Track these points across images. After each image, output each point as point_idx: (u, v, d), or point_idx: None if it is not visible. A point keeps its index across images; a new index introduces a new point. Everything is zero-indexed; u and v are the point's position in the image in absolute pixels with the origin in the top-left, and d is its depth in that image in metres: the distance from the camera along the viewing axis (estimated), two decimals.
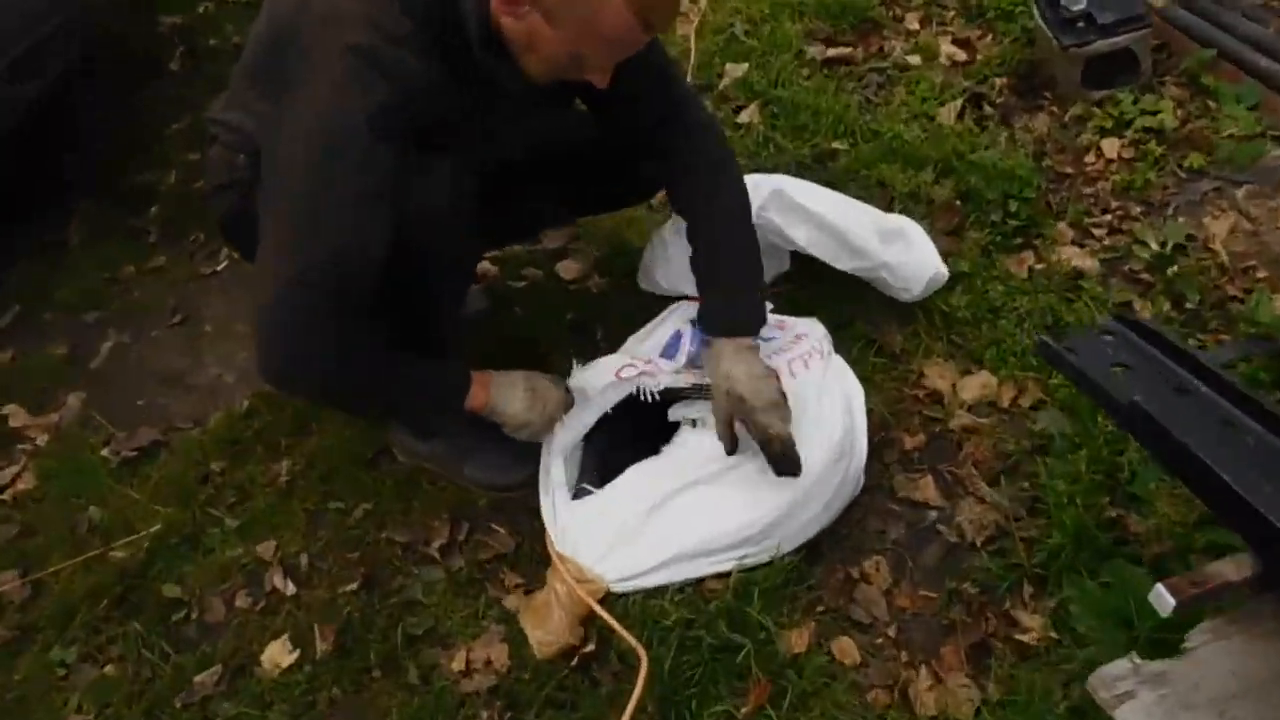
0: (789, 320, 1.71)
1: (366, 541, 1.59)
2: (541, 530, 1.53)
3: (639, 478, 1.47)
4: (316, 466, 1.70)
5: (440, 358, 1.46)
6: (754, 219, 1.64)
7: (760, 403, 1.39)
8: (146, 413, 1.88)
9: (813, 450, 1.48)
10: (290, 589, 1.53)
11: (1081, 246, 1.98)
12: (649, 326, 1.68)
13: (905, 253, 1.80)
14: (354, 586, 1.52)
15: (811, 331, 1.67)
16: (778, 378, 1.45)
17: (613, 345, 1.90)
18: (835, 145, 2.24)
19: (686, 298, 1.71)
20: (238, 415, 1.80)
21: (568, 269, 2.05)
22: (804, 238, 1.74)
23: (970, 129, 2.23)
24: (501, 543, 1.57)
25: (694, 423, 1.55)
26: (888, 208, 2.07)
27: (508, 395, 1.46)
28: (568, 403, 1.52)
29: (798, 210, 1.73)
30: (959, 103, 2.29)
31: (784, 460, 1.40)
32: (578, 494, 1.51)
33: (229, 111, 1.38)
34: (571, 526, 1.46)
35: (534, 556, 1.55)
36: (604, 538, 1.44)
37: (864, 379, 1.76)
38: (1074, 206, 2.03)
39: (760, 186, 1.71)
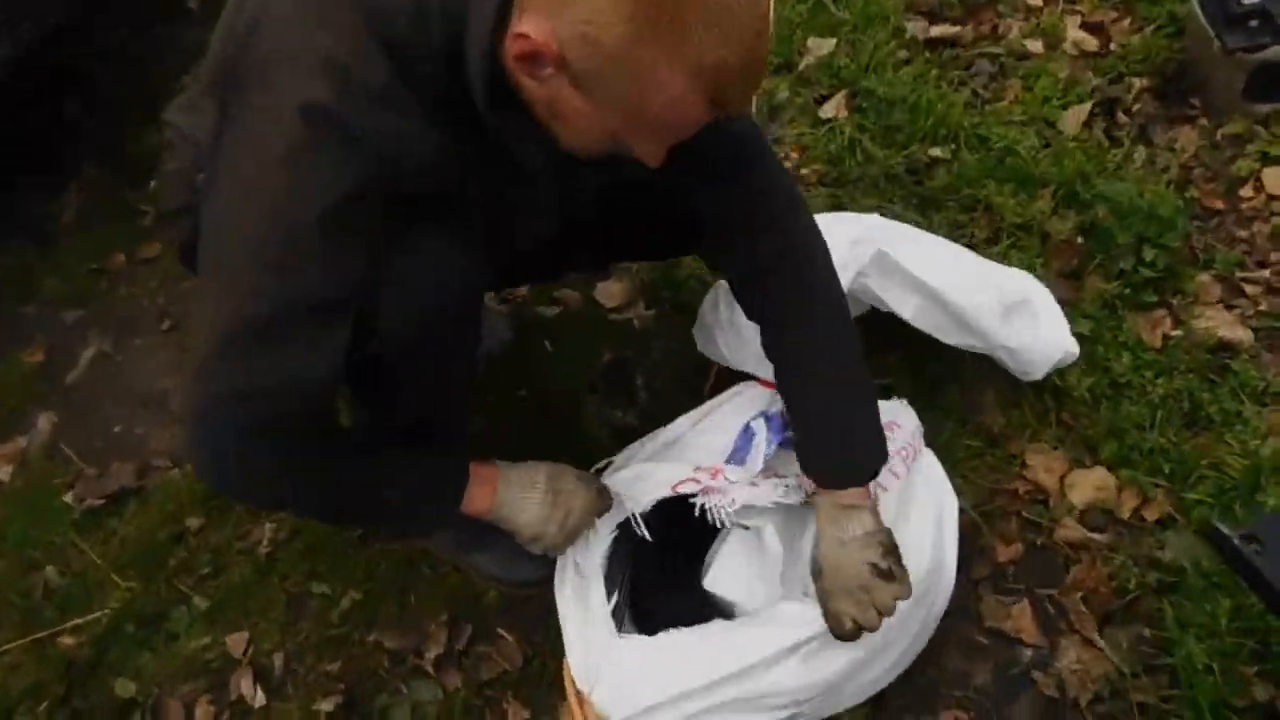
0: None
1: (352, 643, 1.36)
2: (557, 639, 1.27)
3: (696, 648, 1.17)
4: (303, 535, 1.46)
5: (436, 440, 1.18)
6: (850, 284, 1.32)
7: (839, 583, 1.10)
8: (122, 444, 1.66)
9: None
10: (259, 699, 1.31)
11: (1230, 308, 1.63)
12: (707, 407, 1.36)
13: (1030, 332, 1.45)
14: (331, 707, 1.29)
15: (904, 421, 1.35)
16: (883, 540, 1.13)
17: (654, 396, 1.62)
18: (934, 152, 1.89)
19: (757, 379, 1.39)
20: None
21: (608, 294, 1.76)
22: (911, 311, 1.40)
23: (1099, 143, 1.86)
24: (508, 657, 1.32)
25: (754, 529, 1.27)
26: (994, 239, 1.74)
27: (520, 500, 1.19)
28: (601, 507, 1.24)
29: (904, 278, 1.39)
30: (1087, 107, 1.91)
31: (846, 638, 1.12)
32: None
33: (190, 115, 1.08)
34: (605, 669, 1.19)
35: (545, 677, 1.31)
36: (642, 692, 1.17)
37: (953, 466, 1.46)
38: (1222, 255, 1.67)
39: (860, 243, 1.38)
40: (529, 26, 0.79)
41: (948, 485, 1.35)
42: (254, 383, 0.89)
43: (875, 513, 1.15)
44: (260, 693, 1.32)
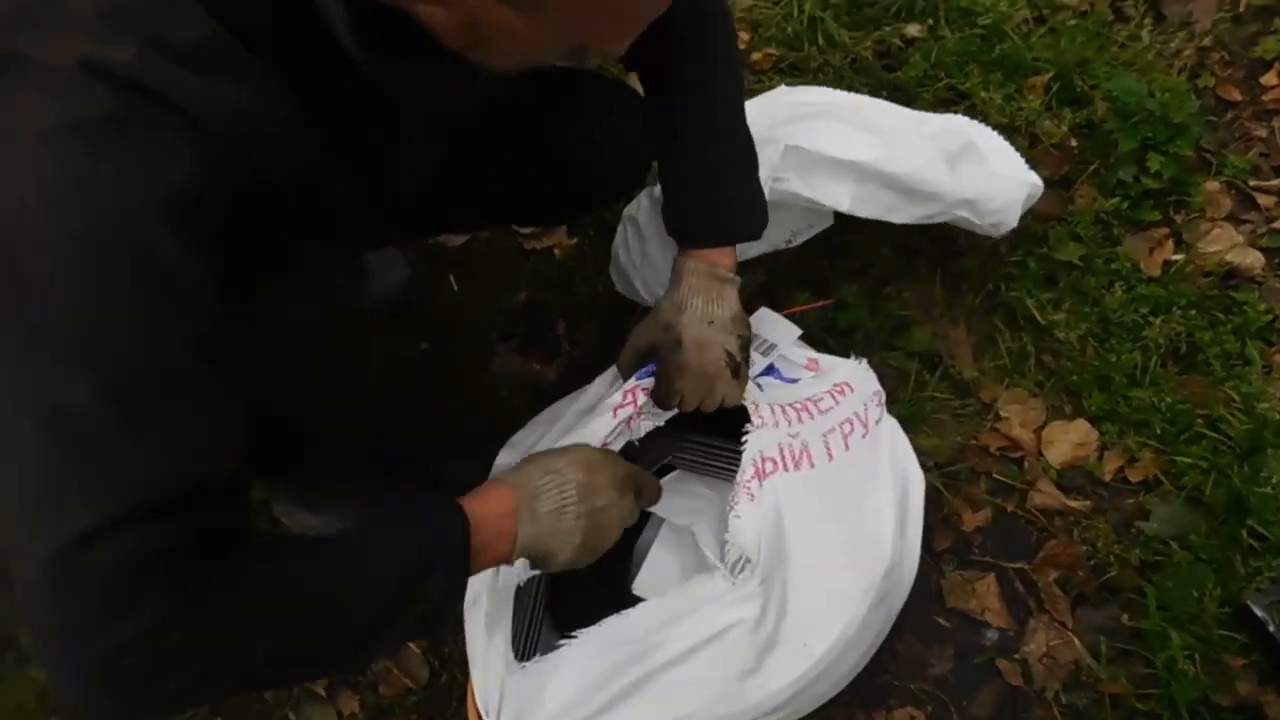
0: (825, 361, 1.20)
1: None
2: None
3: (603, 649, 1.02)
4: None
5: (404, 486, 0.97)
6: (770, 194, 1.11)
7: (696, 363, 1.01)
8: None
9: (848, 591, 1.04)
10: None
11: (1240, 224, 1.42)
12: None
13: (984, 175, 1.26)
14: None
15: (858, 383, 1.15)
16: (744, 333, 1.04)
17: (578, 346, 1.42)
18: (910, 31, 1.61)
19: None
20: None
21: None
22: (847, 199, 1.20)
23: (1104, 19, 1.58)
24: (411, 672, 1.17)
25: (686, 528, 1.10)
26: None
27: (554, 535, 0.83)
28: (633, 519, 0.94)
29: (828, 165, 1.18)
30: None
31: (664, 407, 1.06)
32: (521, 628, 1.09)
33: None
34: (504, 697, 1.04)
35: (455, 695, 1.16)
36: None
37: (918, 421, 1.29)
38: (1235, 158, 1.45)
39: (763, 144, 1.10)
40: None
41: (913, 459, 1.17)
42: (117, 510, 0.56)
43: (740, 295, 1.05)
44: None
